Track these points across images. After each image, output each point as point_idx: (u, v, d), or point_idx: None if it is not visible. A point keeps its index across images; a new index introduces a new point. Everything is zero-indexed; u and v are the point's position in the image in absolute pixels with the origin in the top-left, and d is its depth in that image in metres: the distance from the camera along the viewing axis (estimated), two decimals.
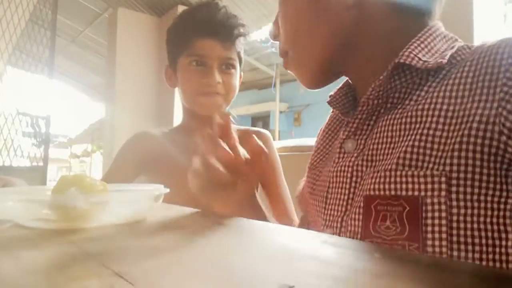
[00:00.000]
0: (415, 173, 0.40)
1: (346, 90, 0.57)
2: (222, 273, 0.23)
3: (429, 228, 0.38)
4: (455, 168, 0.38)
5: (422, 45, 0.46)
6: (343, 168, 0.49)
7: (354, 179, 0.48)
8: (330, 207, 0.51)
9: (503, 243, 0.36)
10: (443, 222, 0.37)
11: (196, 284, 0.21)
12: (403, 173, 0.41)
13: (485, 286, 0.20)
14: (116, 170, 0.96)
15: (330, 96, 0.57)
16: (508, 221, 0.36)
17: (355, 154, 0.49)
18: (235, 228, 0.38)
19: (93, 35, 4.29)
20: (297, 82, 0.60)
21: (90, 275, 0.22)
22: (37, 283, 0.21)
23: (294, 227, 0.89)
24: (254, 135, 1.01)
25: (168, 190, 0.47)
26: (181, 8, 3.10)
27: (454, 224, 0.37)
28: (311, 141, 1.80)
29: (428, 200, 0.38)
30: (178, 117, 2.69)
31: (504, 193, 0.36)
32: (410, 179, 0.40)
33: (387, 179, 0.42)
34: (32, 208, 0.41)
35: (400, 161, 0.41)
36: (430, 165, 0.39)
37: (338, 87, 0.58)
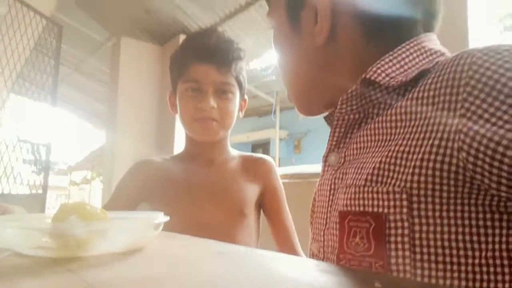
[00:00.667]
0: (380, 189, 0.40)
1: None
2: None
3: (393, 246, 0.38)
4: (415, 185, 0.37)
5: (395, 61, 0.46)
6: (325, 181, 0.50)
7: (332, 191, 0.49)
8: (315, 220, 0.51)
9: (469, 260, 0.35)
10: (406, 239, 0.37)
11: None
12: (370, 189, 0.41)
13: None
14: (117, 198, 0.95)
15: (327, 114, 0.59)
16: (475, 237, 0.35)
17: (336, 168, 0.50)
18: (234, 257, 0.38)
19: (96, 63, 4.36)
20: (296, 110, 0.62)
21: None
22: None
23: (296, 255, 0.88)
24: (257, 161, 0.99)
25: (168, 218, 0.47)
26: (182, 37, 3.16)
27: (417, 242, 0.37)
28: (311, 168, 1.80)
29: (391, 217, 0.38)
30: (178, 145, 2.70)
31: (466, 209, 0.36)
32: (375, 195, 0.40)
33: (357, 195, 0.42)
34: (32, 236, 0.41)
35: (369, 177, 0.42)
36: (393, 181, 0.39)
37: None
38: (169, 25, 3.16)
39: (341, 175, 0.48)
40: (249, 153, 1.07)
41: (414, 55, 0.47)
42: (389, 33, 0.49)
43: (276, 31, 0.59)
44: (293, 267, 0.34)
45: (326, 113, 0.59)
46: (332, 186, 0.49)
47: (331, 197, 0.48)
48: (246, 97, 1.03)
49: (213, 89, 0.90)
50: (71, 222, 0.42)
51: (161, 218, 0.46)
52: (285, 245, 0.96)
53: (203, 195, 0.91)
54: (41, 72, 2.76)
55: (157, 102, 3.35)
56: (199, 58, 0.90)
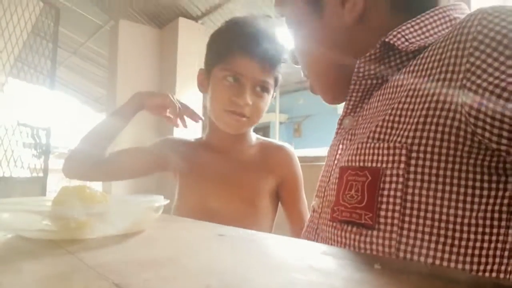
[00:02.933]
0: (380, 145, 0.41)
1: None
2: (224, 284, 0.23)
3: (384, 199, 0.38)
4: (416, 141, 0.38)
5: (416, 26, 0.46)
6: (336, 142, 0.52)
7: (339, 151, 0.50)
8: (321, 178, 0.53)
9: (458, 220, 0.35)
10: (398, 194, 0.38)
11: None
12: (371, 145, 0.42)
13: None
14: (135, 151, 0.98)
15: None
16: (468, 198, 0.35)
17: (347, 130, 0.51)
18: (236, 239, 0.38)
19: (95, 46, 4.32)
20: (297, 93, 0.62)
21: (90, 287, 0.22)
22: None
23: None
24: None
25: (167, 201, 0.47)
26: (182, 20, 3.12)
27: (409, 197, 0.37)
28: (313, 152, 1.80)
29: (388, 172, 0.39)
30: (177, 130, 2.70)
31: (464, 168, 0.36)
32: (375, 151, 0.41)
33: (359, 151, 0.43)
34: (32, 219, 0.41)
35: (371, 135, 0.43)
36: (394, 138, 0.40)
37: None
38: (168, 7, 3.11)
39: (350, 136, 0.49)
40: (269, 141, 1.03)
41: (438, 22, 0.47)
42: (415, 2, 0.49)
43: (291, 18, 0.58)
44: (294, 249, 0.34)
45: None
46: (340, 146, 0.50)
47: (337, 156, 0.50)
48: (275, 92, 0.99)
49: (252, 84, 0.87)
50: (71, 205, 0.42)
51: (161, 201, 0.46)
52: (299, 233, 0.96)
53: (216, 183, 0.92)
54: (39, 56, 2.73)
55: (156, 86, 3.33)
56: (245, 50, 0.85)
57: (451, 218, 0.36)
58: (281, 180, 0.95)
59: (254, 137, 1.01)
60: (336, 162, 0.50)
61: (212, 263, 0.28)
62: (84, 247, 0.34)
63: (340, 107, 0.60)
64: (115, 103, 3.18)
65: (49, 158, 2.73)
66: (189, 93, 2.84)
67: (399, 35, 0.45)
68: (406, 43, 0.44)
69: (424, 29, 0.46)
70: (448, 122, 0.36)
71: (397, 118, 0.41)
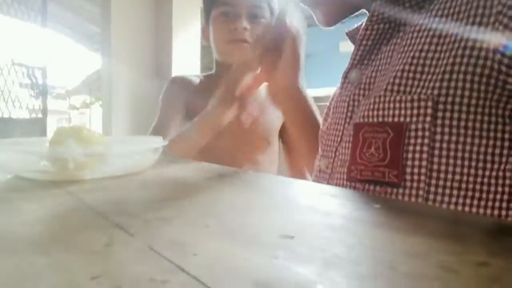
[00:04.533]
0: (402, 98, 0.38)
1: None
2: (223, 224, 0.23)
3: (410, 155, 0.37)
4: (443, 91, 0.36)
5: None
6: (343, 98, 0.48)
7: (350, 108, 0.47)
8: (327, 137, 0.50)
9: (486, 172, 0.35)
10: (425, 149, 0.36)
11: (197, 235, 0.21)
12: (391, 98, 0.39)
13: (485, 235, 0.20)
14: (166, 119, 0.97)
15: (348, 29, 0.56)
16: (497, 150, 0.35)
17: (355, 84, 0.47)
18: (236, 181, 0.38)
19: None
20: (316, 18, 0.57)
21: (90, 227, 0.22)
22: (37, 235, 0.21)
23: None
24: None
25: (166, 142, 0.46)
26: None
27: (436, 152, 0.36)
28: (314, 92, 1.77)
29: (413, 126, 0.37)
30: (176, 69, 2.64)
31: (493, 119, 0.34)
32: (397, 105, 0.38)
33: (376, 106, 0.41)
34: (30, 159, 0.40)
35: (389, 87, 0.40)
36: (418, 90, 0.38)
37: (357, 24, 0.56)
38: None
39: (361, 91, 0.46)
40: None
41: None
42: None
43: None
44: (293, 190, 0.34)
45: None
46: (351, 103, 0.46)
47: (348, 113, 0.47)
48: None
49: (246, 12, 0.92)
50: (69, 145, 0.41)
51: (160, 142, 0.46)
52: (298, 172, 0.98)
53: (231, 124, 0.90)
54: None
55: (153, 23, 3.21)
56: None
57: (479, 172, 0.35)
58: None
59: None
60: (347, 119, 0.47)
61: (211, 203, 0.28)
62: (83, 187, 0.34)
63: (342, 46, 0.57)
64: (110, 41, 3.08)
65: (47, 98, 2.71)
66: (186, 23, 2.74)
67: None
68: None
69: None
70: (478, 70, 0.34)
71: (419, 68, 0.38)
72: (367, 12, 0.54)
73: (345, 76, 0.49)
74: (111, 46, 3.10)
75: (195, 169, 0.45)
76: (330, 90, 1.67)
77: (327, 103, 0.62)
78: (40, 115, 2.65)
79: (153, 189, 0.34)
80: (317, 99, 1.65)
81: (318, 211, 0.25)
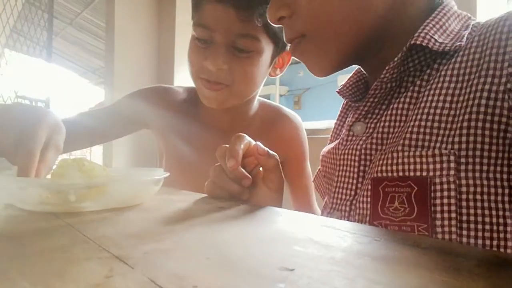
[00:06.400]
0: (423, 153, 0.39)
1: (357, 78, 0.56)
2: (223, 256, 0.23)
3: (438, 208, 0.37)
4: (463, 146, 0.37)
5: (437, 26, 0.44)
6: (351, 151, 0.48)
7: (362, 162, 0.47)
8: (338, 190, 0.50)
9: None
10: (452, 201, 0.37)
11: (197, 267, 0.21)
12: (410, 153, 0.40)
13: (486, 268, 0.20)
14: (111, 111, 0.86)
15: (341, 86, 0.57)
16: None
17: (364, 138, 0.48)
18: (236, 212, 0.38)
19: (91, 17, 4.23)
20: (297, 65, 0.59)
21: (90, 259, 0.22)
22: (37, 267, 0.21)
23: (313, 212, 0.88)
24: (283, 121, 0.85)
25: (168, 174, 0.47)
26: None
27: (464, 203, 0.36)
28: (311, 125, 1.80)
29: (437, 180, 0.38)
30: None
31: None
32: (418, 159, 0.39)
33: (394, 160, 0.41)
34: (32, 191, 0.41)
35: (407, 142, 0.41)
36: (438, 144, 0.39)
37: (349, 76, 0.57)
38: None
39: (374, 146, 0.46)
40: (275, 109, 0.89)
41: (451, 19, 0.46)
42: None
43: None
44: (294, 222, 0.34)
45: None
46: (363, 157, 0.47)
47: (361, 167, 0.47)
48: (284, 49, 0.76)
49: (229, 41, 0.67)
50: (71, 177, 0.42)
51: (161, 174, 0.46)
52: (302, 206, 0.90)
53: (210, 164, 0.76)
54: (35, 26, 2.68)
55: (155, 56, 3.28)
56: None
57: (509, 221, 0.36)
58: (286, 156, 0.84)
59: (257, 104, 0.86)
60: (360, 173, 0.47)
61: (212, 235, 0.28)
62: (84, 219, 0.34)
63: (340, 80, 0.59)
64: (113, 74, 3.14)
65: None
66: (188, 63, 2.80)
67: (427, 36, 0.43)
68: (438, 44, 0.43)
69: (444, 28, 0.45)
70: (495, 126, 0.36)
71: (436, 124, 0.39)
72: (362, 69, 0.55)
73: (349, 129, 0.50)
74: (113, 79, 3.16)
75: (195, 201, 0.45)
76: (327, 122, 1.69)
77: (325, 136, 0.63)
78: None
79: (153, 221, 0.34)
80: (314, 131, 1.67)
81: (319, 244, 0.25)
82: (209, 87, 0.69)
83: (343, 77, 0.58)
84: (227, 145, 0.48)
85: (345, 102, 0.61)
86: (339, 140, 0.52)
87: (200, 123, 0.83)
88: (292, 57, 0.75)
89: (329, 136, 0.63)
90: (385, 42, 0.48)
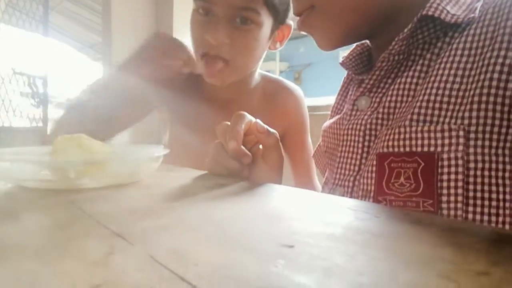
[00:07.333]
0: (431, 128, 0.38)
1: (360, 50, 0.55)
2: (222, 233, 0.23)
3: (445, 184, 0.37)
4: (474, 121, 0.36)
5: None
6: (355, 126, 0.48)
7: (367, 137, 0.46)
8: (341, 165, 0.49)
9: None
10: (460, 177, 0.36)
11: (196, 243, 0.21)
12: (418, 128, 0.39)
13: (485, 244, 0.20)
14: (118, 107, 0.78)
15: (343, 58, 0.55)
16: None
17: (369, 112, 0.47)
18: (236, 189, 0.38)
19: None
20: (298, 41, 0.58)
21: (90, 235, 0.22)
22: (37, 244, 0.21)
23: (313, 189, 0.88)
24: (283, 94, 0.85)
25: (167, 151, 0.46)
26: None
27: (471, 179, 0.36)
28: (312, 101, 1.79)
29: (445, 156, 0.37)
30: None
31: None
32: (426, 135, 0.39)
33: (401, 135, 0.41)
34: (32, 168, 0.41)
35: (415, 117, 0.40)
36: (447, 119, 0.38)
37: (351, 49, 0.56)
38: None
39: (379, 120, 0.45)
40: (276, 81, 0.89)
41: None
42: None
43: None
44: (294, 199, 0.34)
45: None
46: (367, 132, 0.46)
47: (365, 143, 0.46)
48: (290, 22, 0.77)
49: (228, 15, 0.67)
50: (70, 154, 0.41)
51: (161, 151, 0.46)
52: (303, 180, 0.91)
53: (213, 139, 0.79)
54: (31, 1, 2.63)
55: (153, 31, 3.23)
56: None
57: None
58: (287, 127, 0.87)
59: (259, 77, 0.87)
60: (364, 148, 0.46)
61: (212, 212, 0.28)
62: (83, 196, 0.34)
63: (343, 55, 0.57)
64: (111, 50, 3.09)
65: (47, 107, 2.72)
66: (187, 31, 2.75)
67: (440, 7, 0.42)
68: (450, 15, 0.41)
69: None
70: (507, 101, 0.35)
71: (445, 98, 0.39)
72: (369, 42, 0.54)
73: (353, 103, 0.49)
74: (112, 55, 3.12)
75: (195, 178, 0.45)
76: (329, 99, 1.68)
77: (326, 112, 0.62)
78: (40, 124, 2.66)
79: (153, 198, 0.34)
80: (315, 108, 1.66)
81: (318, 220, 0.25)
82: (209, 61, 0.70)
83: (345, 53, 0.57)
84: (228, 122, 0.48)
85: (346, 76, 0.60)
86: (341, 114, 0.52)
87: (203, 98, 0.83)
88: (293, 32, 0.74)
89: (330, 112, 0.62)
90: (396, 16, 0.47)
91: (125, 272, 0.17)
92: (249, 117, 0.49)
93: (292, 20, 0.79)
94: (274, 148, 0.50)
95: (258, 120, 0.49)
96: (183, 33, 0.76)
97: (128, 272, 0.17)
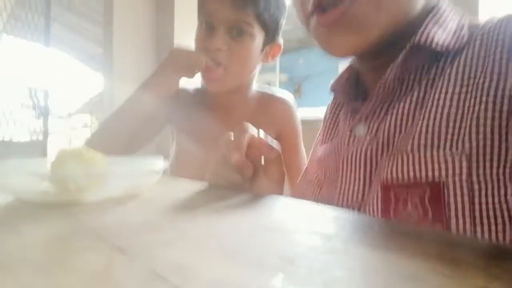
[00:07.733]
0: (434, 153, 0.39)
1: (347, 76, 0.55)
2: (224, 246, 0.23)
3: (453, 208, 0.37)
4: (474, 144, 0.37)
5: (438, 24, 0.44)
6: (355, 154, 0.47)
7: (368, 166, 0.46)
8: (343, 193, 0.48)
9: None
10: (466, 199, 0.37)
11: (197, 256, 0.21)
12: (421, 154, 0.40)
13: (484, 259, 0.20)
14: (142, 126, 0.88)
15: (334, 81, 0.56)
16: None
17: (368, 139, 0.47)
18: (237, 202, 0.38)
19: (89, 2, 4.18)
20: (297, 52, 0.57)
21: (90, 249, 0.22)
22: (37, 257, 0.21)
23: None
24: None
25: (167, 163, 0.46)
26: None
27: (476, 200, 0.37)
28: (312, 112, 1.79)
29: (450, 183, 0.38)
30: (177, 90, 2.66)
31: None
32: (429, 161, 0.39)
33: (404, 163, 0.41)
34: (32, 181, 0.41)
35: (415, 142, 0.40)
36: (448, 144, 0.38)
37: (339, 74, 0.56)
38: None
39: (379, 148, 0.45)
40: (269, 92, 0.98)
41: (449, 17, 0.45)
42: None
43: None
44: (294, 211, 0.34)
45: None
46: (368, 160, 0.46)
47: (367, 172, 0.46)
48: (280, 41, 0.90)
49: (226, 27, 0.80)
50: (70, 167, 0.42)
51: (161, 163, 0.46)
52: (295, 188, 0.95)
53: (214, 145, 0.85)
54: (33, 12, 2.66)
55: (154, 42, 3.25)
56: None
57: None
58: (279, 133, 0.94)
59: (254, 90, 0.96)
60: (367, 176, 0.46)
61: (213, 225, 0.28)
62: (84, 209, 0.34)
63: (342, 67, 0.57)
64: (112, 61, 3.11)
65: (48, 119, 2.72)
66: (188, 41, 2.77)
67: (430, 35, 0.42)
68: (440, 43, 0.42)
69: (444, 26, 0.44)
70: (504, 123, 0.36)
71: (444, 123, 0.39)
72: (358, 65, 0.54)
73: (351, 129, 0.50)
74: (113, 66, 3.14)
75: (195, 191, 0.45)
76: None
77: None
78: (40, 137, 2.66)
79: (154, 211, 0.34)
80: (314, 119, 1.67)
81: (318, 233, 0.25)
82: (208, 69, 0.81)
83: (345, 65, 0.58)
84: (231, 133, 0.48)
85: (333, 101, 0.60)
86: (337, 141, 0.52)
87: (205, 109, 0.93)
88: (292, 45, 0.77)
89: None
90: (395, 39, 0.46)
91: (125, 286, 0.17)
92: (252, 130, 0.49)
93: (281, 38, 0.91)
94: (275, 162, 0.50)
95: (261, 133, 0.49)
96: (184, 41, 0.86)
97: (128, 285, 0.17)
